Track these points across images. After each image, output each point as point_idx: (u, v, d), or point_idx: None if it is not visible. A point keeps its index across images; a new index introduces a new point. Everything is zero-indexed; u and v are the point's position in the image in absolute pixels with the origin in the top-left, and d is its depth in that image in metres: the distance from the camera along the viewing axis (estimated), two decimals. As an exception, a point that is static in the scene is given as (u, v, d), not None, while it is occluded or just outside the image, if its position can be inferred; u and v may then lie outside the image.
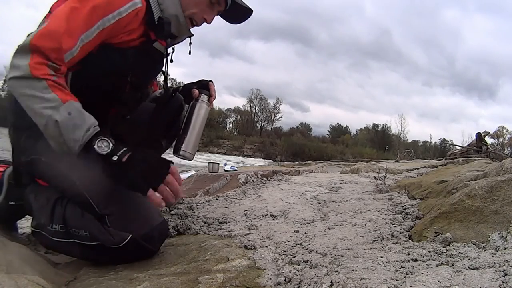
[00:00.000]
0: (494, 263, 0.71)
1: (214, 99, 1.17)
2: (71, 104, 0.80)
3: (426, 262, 0.79)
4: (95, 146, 0.80)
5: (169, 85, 1.21)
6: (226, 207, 1.54)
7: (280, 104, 42.29)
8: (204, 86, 1.17)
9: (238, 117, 42.64)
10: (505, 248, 0.78)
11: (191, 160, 1.10)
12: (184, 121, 1.11)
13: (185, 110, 1.17)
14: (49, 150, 0.91)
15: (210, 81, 1.20)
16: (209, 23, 1.11)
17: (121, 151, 0.81)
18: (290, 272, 0.77)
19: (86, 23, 0.84)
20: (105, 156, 0.80)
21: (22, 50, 0.78)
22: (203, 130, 1.15)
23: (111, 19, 0.87)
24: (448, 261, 0.77)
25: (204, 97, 1.14)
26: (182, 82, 1.32)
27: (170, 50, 1.11)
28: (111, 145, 0.80)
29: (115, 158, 0.80)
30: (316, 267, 0.81)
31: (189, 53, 1.15)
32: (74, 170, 0.91)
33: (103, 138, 0.81)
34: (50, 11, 0.95)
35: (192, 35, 1.14)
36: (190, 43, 1.15)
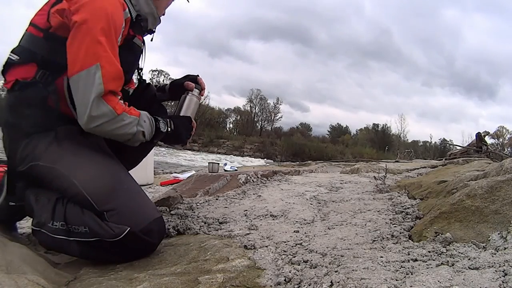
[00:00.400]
0: (494, 263, 0.71)
1: (204, 92, 1.26)
2: (141, 114, 1.00)
3: (426, 262, 0.79)
4: (161, 130, 1.04)
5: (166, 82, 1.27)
6: (226, 207, 1.54)
7: (280, 104, 42.30)
8: (193, 80, 1.24)
9: (238, 117, 42.58)
10: (505, 248, 0.78)
11: (181, 149, 1.21)
12: (175, 113, 1.17)
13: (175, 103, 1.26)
14: (46, 154, 0.93)
15: (197, 75, 1.25)
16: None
17: (168, 122, 1.07)
18: (290, 272, 0.77)
19: (117, 47, 0.96)
20: (165, 131, 1.06)
21: (97, 99, 0.89)
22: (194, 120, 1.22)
23: (120, 34, 0.98)
24: (448, 261, 0.77)
25: (195, 91, 1.21)
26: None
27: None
28: (164, 122, 1.06)
29: (169, 129, 1.07)
30: (316, 267, 0.81)
31: (151, 40, 1.23)
32: (72, 170, 0.93)
33: (159, 120, 1.05)
34: (30, 23, 0.99)
35: (160, 22, 1.22)
36: (154, 31, 1.21)
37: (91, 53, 0.89)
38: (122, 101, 0.96)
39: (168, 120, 1.08)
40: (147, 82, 1.27)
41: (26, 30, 1.00)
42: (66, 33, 0.92)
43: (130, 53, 1.08)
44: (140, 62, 1.18)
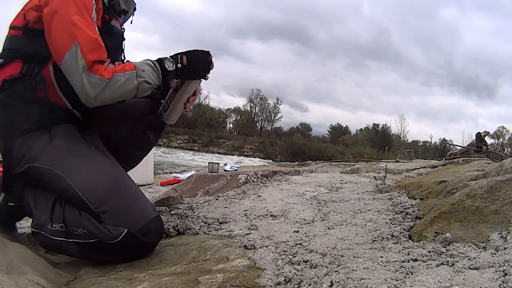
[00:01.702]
0: (494, 263, 0.71)
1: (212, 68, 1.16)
2: (138, 65, 0.99)
3: (426, 262, 0.79)
4: (168, 69, 1.02)
5: None
6: (226, 207, 1.54)
7: (280, 104, 42.29)
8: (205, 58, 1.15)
9: (238, 117, 42.55)
10: (505, 248, 0.78)
11: (173, 123, 1.20)
12: (172, 89, 1.13)
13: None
14: (42, 155, 0.93)
15: (208, 51, 1.13)
16: None
17: (179, 57, 1.04)
18: (290, 272, 0.77)
19: (92, 22, 0.97)
20: (175, 68, 1.03)
21: (85, 74, 0.91)
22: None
23: (93, 10, 0.99)
24: (448, 261, 0.77)
25: None
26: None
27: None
28: (172, 60, 1.03)
29: (179, 65, 1.04)
30: (316, 267, 0.81)
31: (131, 23, 1.24)
32: (68, 171, 0.93)
33: (163, 60, 1.02)
34: (10, 27, 1.00)
35: (136, 4, 1.23)
36: (133, 14, 1.22)
37: (67, 36, 0.91)
38: (112, 65, 0.96)
39: (179, 55, 1.05)
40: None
41: (7, 35, 1.01)
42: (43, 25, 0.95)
43: (111, 37, 1.09)
44: (123, 46, 1.19)
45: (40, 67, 0.97)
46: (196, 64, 1.07)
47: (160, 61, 1.02)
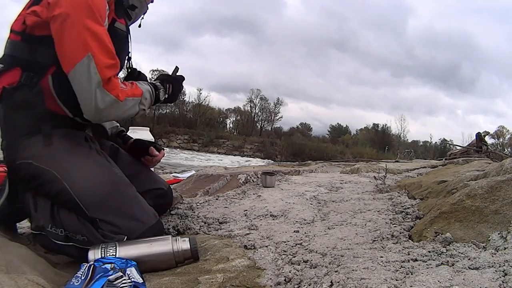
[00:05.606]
0: (494, 263, 0.71)
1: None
2: (143, 93, 1.04)
3: (426, 262, 0.79)
4: (160, 99, 1.13)
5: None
6: (226, 207, 1.54)
7: (280, 105, 42.35)
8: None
9: (238, 117, 42.56)
10: (505, 248, 0.78)
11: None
12: None
13: None
14: (43, 155, 0.93)
15: (183, 78, 1.23)
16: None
17: (166, 87, 1.15)
18: (290, 272, 0.77)
19: (106, 32, 0.94)
20: (163, 99, 1.15)
21: (99, 90, 0.89)
22: None
23: (106, 17, 0.96)
24: (448, 261, 0.77)
25: None
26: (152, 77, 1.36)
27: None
28: (164, 90, 1.14)
29: (167, 95, 1.16)
30: (316, 267, 0.81)
31: (139, 26, 1.21)
32: (65, 174, 0.92)
33: (159, 89, 1.12)
34: (11, 30, 0.97)
35: (148, 8, 1.21)
36: (143, 17, 1.21)
37: (80, 45, 0.87)
38: (123, 85, 0.97)
39: (168, 85, 1.15)
40: (137, 70, 1.23)
41: (8, 38, 0.99)
42: (42, 31, 0.92)
43: (114, 39, 1.03)
44: (128, 49, 1.14)
45: (38, 77, 0.94)
46: (176, 93, 1.19)
47: (156, 88, 1.10)
